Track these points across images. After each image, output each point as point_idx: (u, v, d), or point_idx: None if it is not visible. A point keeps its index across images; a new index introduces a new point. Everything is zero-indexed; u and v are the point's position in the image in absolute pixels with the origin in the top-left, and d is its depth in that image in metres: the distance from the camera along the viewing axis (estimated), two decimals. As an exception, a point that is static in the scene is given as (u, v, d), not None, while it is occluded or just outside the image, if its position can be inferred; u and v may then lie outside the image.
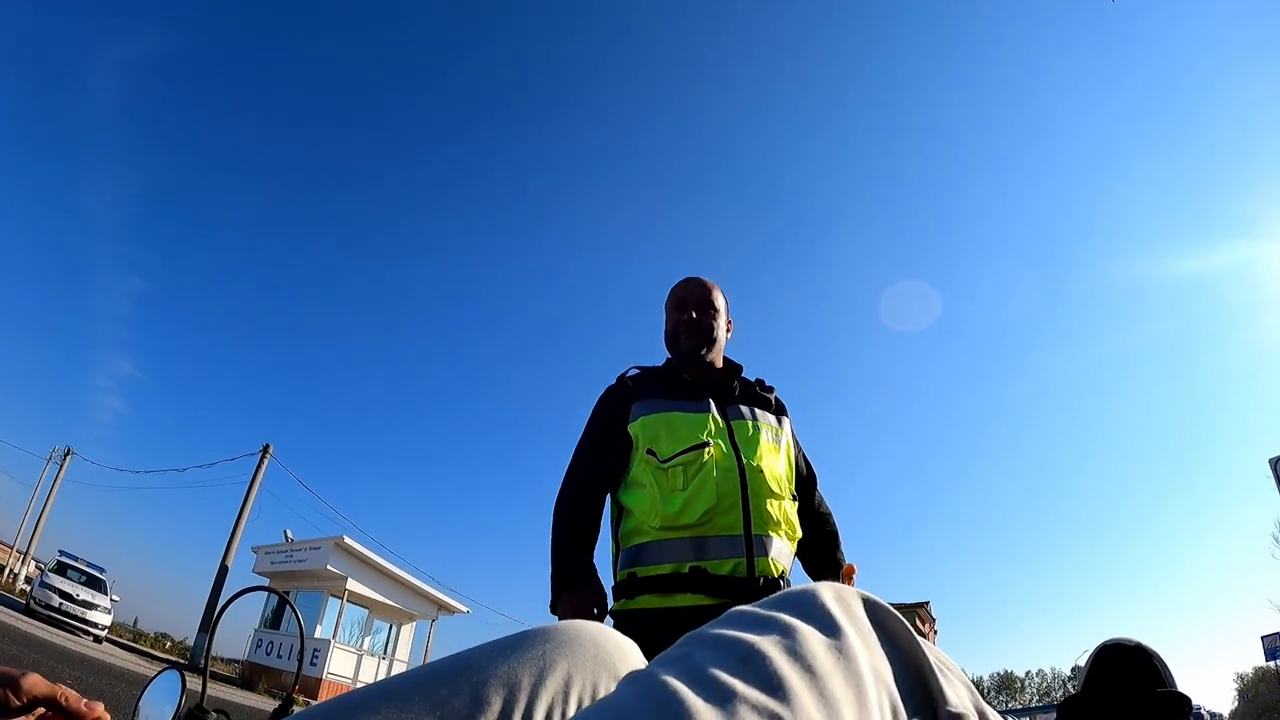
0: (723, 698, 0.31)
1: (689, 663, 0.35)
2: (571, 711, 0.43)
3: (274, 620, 17.96)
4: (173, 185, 48.26)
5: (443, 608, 20.85)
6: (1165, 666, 1.29)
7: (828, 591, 0.41)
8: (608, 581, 1.55)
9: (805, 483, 1.73)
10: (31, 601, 13.79)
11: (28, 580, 21.59)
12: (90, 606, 14.03)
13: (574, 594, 1.48)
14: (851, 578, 1.68)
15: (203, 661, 1.04)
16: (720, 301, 1.71)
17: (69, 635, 12.71)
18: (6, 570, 23.76)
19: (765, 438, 1.55)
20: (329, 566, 17.28)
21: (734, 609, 0.41)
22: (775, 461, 1.54)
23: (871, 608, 0.41)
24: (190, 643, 19.33)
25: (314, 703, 1.30)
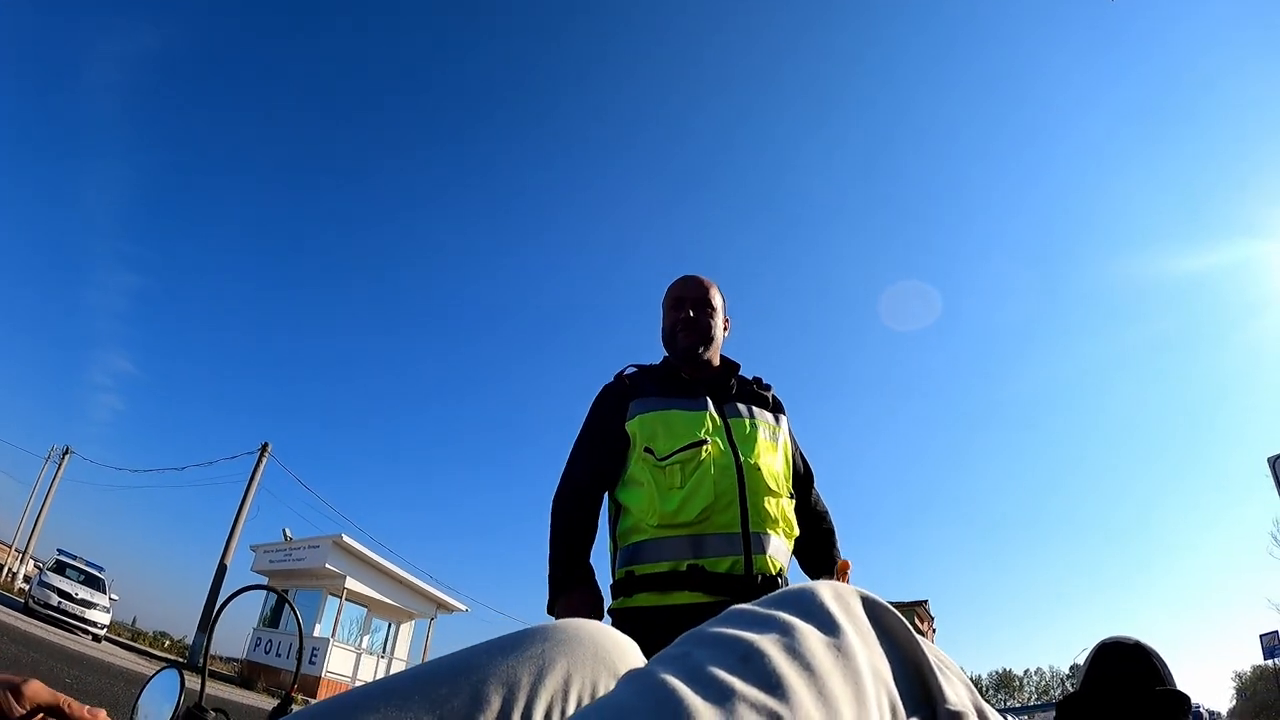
0: (722, 696, 0.31)
1: (688, 661, 0.35)
2: (571, 710, 0.43)
3: (273, 619, 17.97)
4: (171, 183, 48.09)
5: (441, 606, 20.85)
6: (1164, 665, 1.30)
7: (827, 590, 0.41)
8: (606, 580, 1.55)
9: (802, 480, 1.73)
10: (30, 600, 13.80)
11: (26, 579, 21.54)
12: (89, 605, 14.03)
13: (571, 594, 1.48)
14: (846, 574, 1.68)
15: (201, 660, 1.04)
16: (718, 300, 1.71)
17: (68, 634, 12.70)
18: (5, 569, 23.75)
19: (763, 435, 1.55)
20: (328, 565, 17.28)
21: (733, 607, 0.41)
22: (773, 459, 1.54)
23: (870, 606, 0.41)
24: (189, 641, 19.37)
25: (313, 701, 1.30)
